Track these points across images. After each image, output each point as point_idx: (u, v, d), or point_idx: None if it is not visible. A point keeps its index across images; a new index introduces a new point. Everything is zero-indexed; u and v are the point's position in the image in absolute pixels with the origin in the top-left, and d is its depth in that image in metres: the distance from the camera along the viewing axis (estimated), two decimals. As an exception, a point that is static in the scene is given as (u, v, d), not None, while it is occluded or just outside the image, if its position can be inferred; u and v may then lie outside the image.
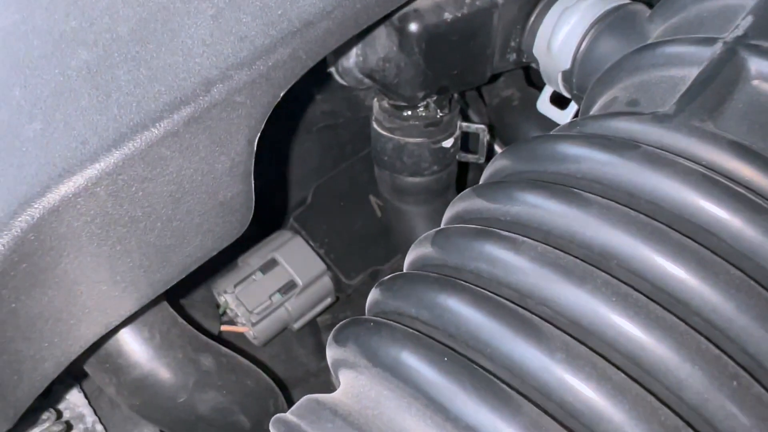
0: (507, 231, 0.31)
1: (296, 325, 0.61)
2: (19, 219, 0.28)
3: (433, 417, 0.26)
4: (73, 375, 0.39)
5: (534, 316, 0.27)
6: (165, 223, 0.32)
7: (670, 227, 0.28)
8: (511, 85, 0.62)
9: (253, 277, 0.59)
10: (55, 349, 0.30)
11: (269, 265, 0.59)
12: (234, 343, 0.59)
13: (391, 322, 0.30)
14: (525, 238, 0.30)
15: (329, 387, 0.65)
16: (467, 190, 0.36)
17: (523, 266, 0.29)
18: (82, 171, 0.29)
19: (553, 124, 0.55)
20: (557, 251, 0.29)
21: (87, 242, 0.30)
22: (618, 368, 0.26)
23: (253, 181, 0.35)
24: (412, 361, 0.28)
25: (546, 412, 0.25)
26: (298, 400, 0.61)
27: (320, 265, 0.61)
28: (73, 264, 0.30)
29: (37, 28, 0.36)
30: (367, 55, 0.47)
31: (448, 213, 0.37)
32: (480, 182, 0.38)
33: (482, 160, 0.54)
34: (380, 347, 0.29)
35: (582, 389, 0.25)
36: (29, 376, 0.30)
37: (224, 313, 0.59)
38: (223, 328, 0.58)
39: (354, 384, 0.31)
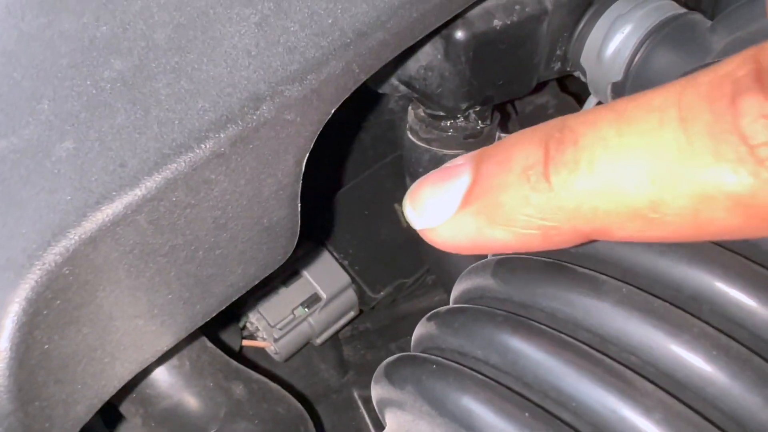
0: (580, 266, 0.28)
1: (319, 340, 0.58)
2: (54, 251, 0.25)
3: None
4: (105, 421, 0.36)
5: (623, 367, 0.25)
6: (207, 252, 0.30)
7: (768, 270, 0.26)
8: (546, 91, 0.60)
9: (275, 290, 0.56)
10: (88, 390, 0.28)
11: (292, 278, 0.57)
12: (253, 359, 0.56)
13: (456, 365, 0.28)
14: (605, 277, 0.27)
15: (351, 403, 0.62)
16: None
17: (608, 309, 0.26)
18: (122, 197, 0.26)
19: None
20: (645, 293, 0.26)
21: (125, 274, 0.27)
22: (721, 430, 0.23)
23: (299, 204, 0.32)
24: (488, 415, 0.25)
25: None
26: (322, 417, 0.58)
27: (345, 278, 0.58)
28: (109, 298, 0.27)
29: (65, 34, 0.33)
30: (406, 63, 0.45)
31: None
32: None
33: (521, 173, 0.52)
34: (448, 395, 0.26)
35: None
36: (61, 421, 0.27)
37: (244, 327, 0.56)
38: (245, 342, 0.55)
39: (410, 429, 0.29)
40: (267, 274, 0.33)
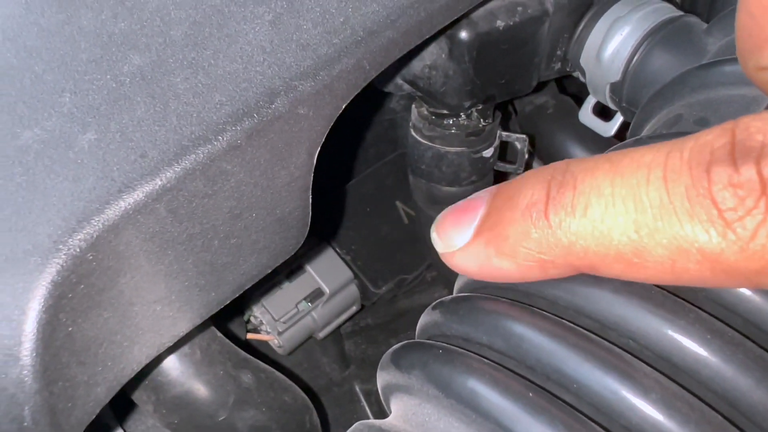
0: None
1: (321, 334, 0.59)
2: (78, 237, 0.26)
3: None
4: (117, 416, 0.37)
5: (622, 351, 0.26)
6: (222, 241, 0.31)
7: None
8: (545, 92, 0.61)
9: (279, 284, 0.57)
10: (108, 372, 0.29)
11: (296, 272, 0.58)
12: (257, 353, 0.57)
13: (462, 350, 0.29)
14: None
15: (353, 397, 0.63)
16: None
17: (607, 296, 0.27)
18: (143, 186, 0.28)
19: (591, 134, 0.54)
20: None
21: (145, 261, 0.28)
22: (715, 410, 0.24)
23: (310, 196, 0.33)
24: (493, 395, 0.26)
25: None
26: (325, 410, 0.59)
27: (347, 273, 0.59)
28: (129, 284, 0.28)
29: (84, 30, 0.34)
30: (411, 62, 0.46)
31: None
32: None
33: (521, 171, 0.53)
34: (455, 377, 0.28)
35: (681, 432, 0.24)
36: (82, 402, 0.28)
37: (248, 320, 0.58)
38: (249, 336, 0.56)
39: (416, 412, 0.30)
40: (279, 263, 0.34)
